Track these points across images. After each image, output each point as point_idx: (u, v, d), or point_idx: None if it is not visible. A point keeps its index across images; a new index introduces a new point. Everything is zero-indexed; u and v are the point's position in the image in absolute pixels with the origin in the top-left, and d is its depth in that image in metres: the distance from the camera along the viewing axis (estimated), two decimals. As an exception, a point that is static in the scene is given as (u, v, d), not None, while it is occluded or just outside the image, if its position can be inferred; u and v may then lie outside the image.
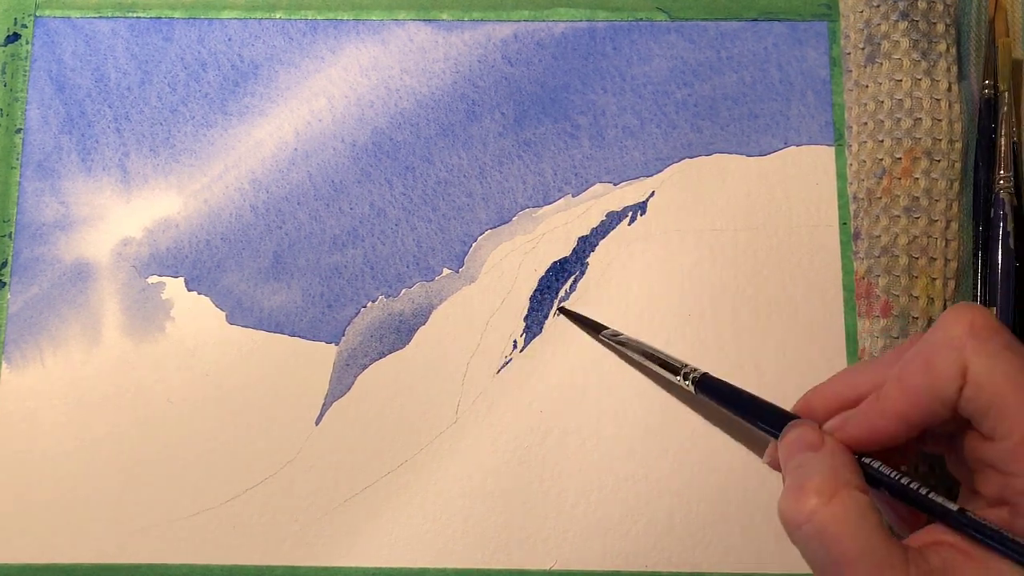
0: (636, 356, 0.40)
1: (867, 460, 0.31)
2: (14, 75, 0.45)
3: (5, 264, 0.43)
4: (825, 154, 0.43)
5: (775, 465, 0.34)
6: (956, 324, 0.29)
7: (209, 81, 0.45)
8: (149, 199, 0.44)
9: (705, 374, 0.37)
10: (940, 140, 0.41)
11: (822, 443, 0.31)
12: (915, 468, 0.38)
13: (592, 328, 0.41)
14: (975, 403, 0.29)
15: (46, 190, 0.44)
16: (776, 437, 0.33)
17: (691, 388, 0.38)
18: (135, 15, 0.45)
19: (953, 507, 0.29)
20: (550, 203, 0.43)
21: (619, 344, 0.41)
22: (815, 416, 0.33)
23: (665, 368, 0.39)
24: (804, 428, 0.32)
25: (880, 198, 0.41)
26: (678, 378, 0.38)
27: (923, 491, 0.30)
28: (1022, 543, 0.27)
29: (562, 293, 0.42)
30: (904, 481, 0.30)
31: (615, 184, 0.43)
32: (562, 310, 0.41)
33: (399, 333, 0.42)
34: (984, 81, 0.42)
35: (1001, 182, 0.41)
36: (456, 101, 0.44)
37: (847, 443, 0.31)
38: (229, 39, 0.45)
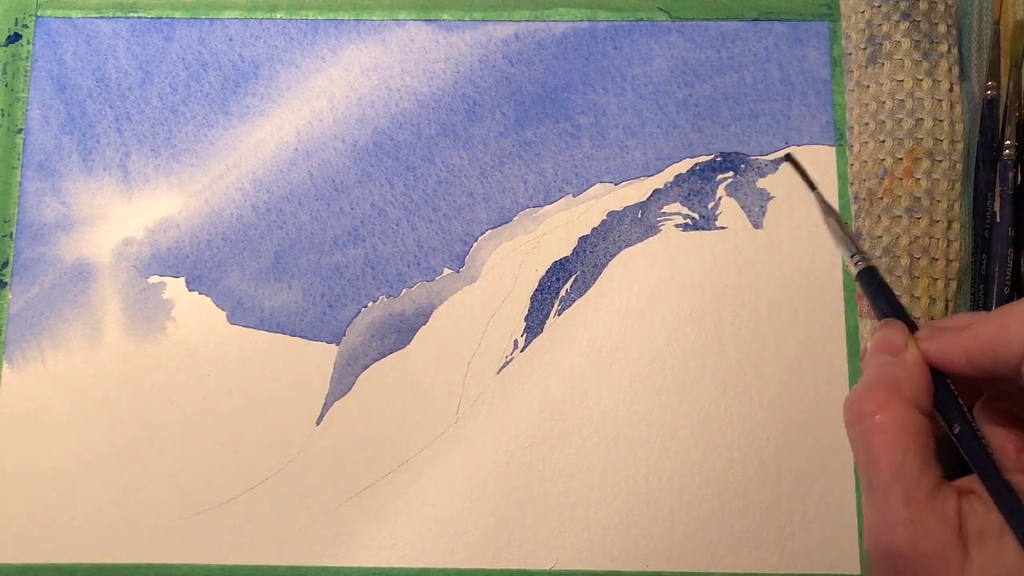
0: (827, 227, 0.37)
1: (948, 389, 0.31)
2: (15, 75, 0.45)
3: (6, 264, 0.43)
4: (826, 154, 0.43)
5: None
6: None
7: (210, 81, 0.45)
8: (150, 199, 0.44)
9: (870, 267, 0.35)
10: (942, 140, 0.41)
11: (903, 349, 0.32)
12: None
13: (809, 185, 0.38)
14: None
15: (47, 190, 0.44)
16: None
17: (853, 272, 0.36)
18: (136, 15, 0.45)
19: (988, 463, 0.29)
20: (551, 203, 0.43)
21: (824, 206, 0.38)
22: (934, 330, 0.33)
23: (842, 243, 0.37)
24: (893, 329, 0.32)
25: (881, 198, 0.41)
26: (849, 256, 0.36)
27: (973, 441, 0.30)
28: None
29: (563, 293, 0.42)
30: (957, 427, 0.30)
31: (616, 184, 0.43)
32: (788, 157, 0.38)
33: (400, 333, 0.42)
34: (987, 82, 0.42)
35: (1007, 151, 0.41)
36: (457, 101, 0.44)
37: (926, 355, 0.32)
38: (230, 39, 0.45)
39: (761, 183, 0.43)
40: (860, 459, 0.30)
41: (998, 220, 0.41)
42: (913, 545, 0.28)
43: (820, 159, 0.43)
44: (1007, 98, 0.42)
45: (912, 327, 0.34)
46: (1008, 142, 0.41)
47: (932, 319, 0.40)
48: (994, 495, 0.29)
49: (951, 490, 0.29)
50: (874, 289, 0.36)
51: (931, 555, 0.28)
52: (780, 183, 0.43)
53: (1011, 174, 0.41)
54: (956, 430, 0.31)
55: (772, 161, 0.43)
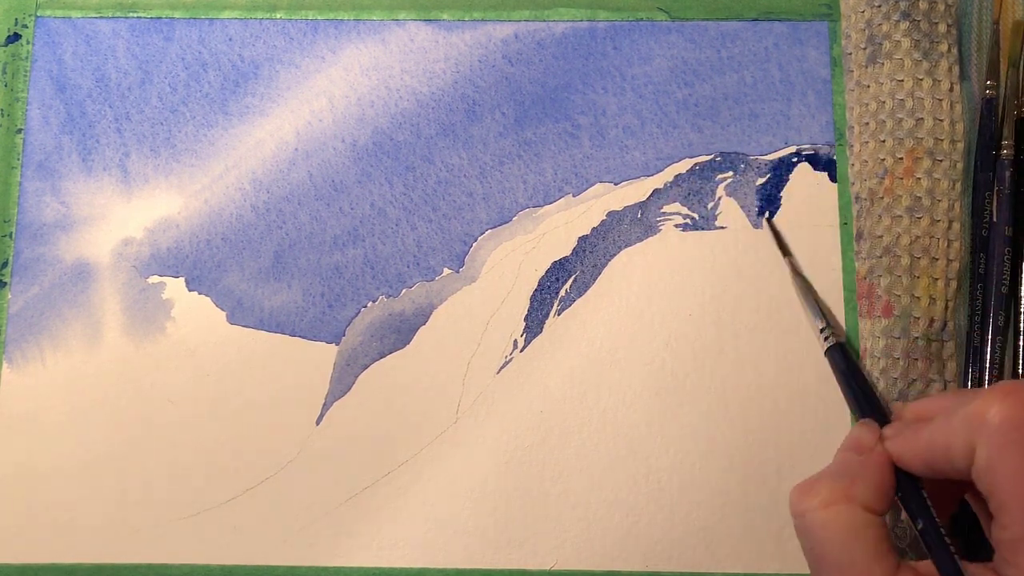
0: (799, 294, 0.41)
1: (908, 483, 0.32)
2: (15, 75, 0.45)
3: (6, 264, 0.43)
4: (826, 154, 0.43)
5: None
6: (987, 404, 0.29)
7: (210, 81, 0.45)
8: (150, 199, 0.44)
9: (840, 343, 0.38)
10: (942, 140, 0.41)
11: (871, 450, 0.32)
12: None
13: (783, 250, 0.41)
14: (980, 484, 0.29)
15: (47, 190, 0.44)
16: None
17: (823, 347, 0.39)
18: (136, 15, 0.45)
19: (953, 563, 0.29)
20: (551, 203, 0.43)
21: (796, 275, 0.41)
22: (897, 419, 0.34)
23: (814, 316, 0.40)
24: (865, 430, 0.33)
25: (882, 198, 0.41)
26: (819, 335, 0.39)
27: (936, 539, 0.30)
28: None
29: (563, 293, 0.42)
30: (920, 524, 0.31)
31: (616, 184, 0.43)
32: (769, 222, 0.42)
33: (399, 333, 0.42)
34: (986, 81, 0.42)
35: (1004, 151, 0.41)
36: (457, 101, 0.44)
37: (890, 453, 0.32)
38: (230, 39, 0.45)
39: (761, 183, 0.43)
40: (804, 552, 0.31)
41: (995, 220, 0.41)
42: None
43: (820, 159, 0.43)
44: (1004, 97, 0.42)
45: (883, 417, 0.35)
46: (1006, 141, 0.41)
47: (932, 320, 0.40)
48: None
49: (910, 572, 0.30)
50: (843, 368, 0.38)
51: None
52: (781, 183, 0.43)
53: (1007, 173, 0.41)
54: (919, 526, 0.31)
55: (772, 161, 0.43)
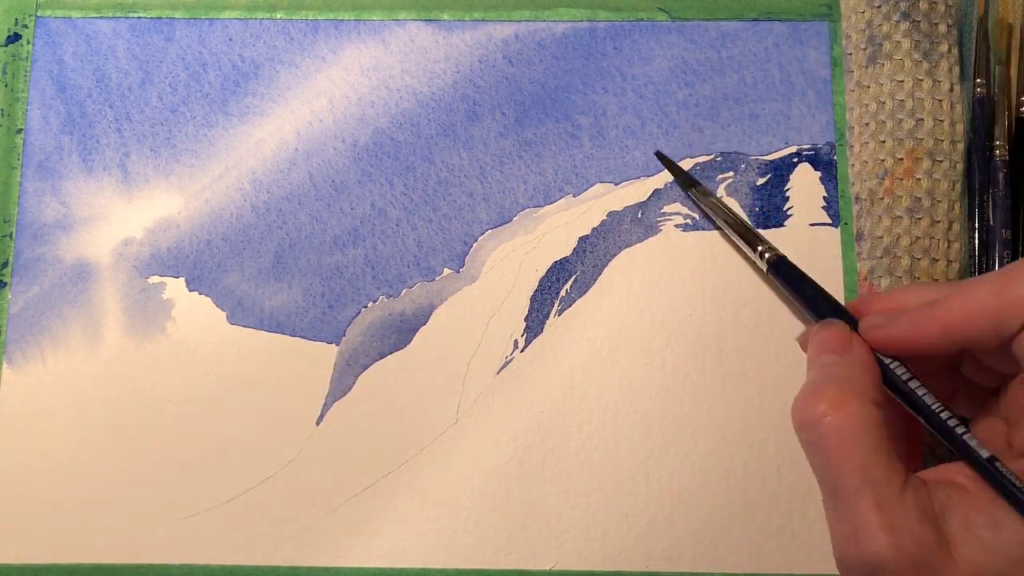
0: (718, 220, 0.40)
1: (903, 374, 0.30)
2: (15, 75, 0.45)
3: (6, 264, 0.43)
4: (826, 154, 0.43)
5: (805, 348, 0.34)
6: None
7: (210, 81, 0.45)
8: (150, 199, 0.44)
9: (781, 257, 0.37)
10: (942, 141, 0.41)
11: (848, 347, 0.30)
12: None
13: (684, 181, 0.41)
14: None
15: (47, 190, 0.44)
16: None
17: (764, 267, 0.38)
18: (136, 15, 0.45)
19: (982, 452, 0.28)
20: (551, 203, 0.43)
21: (705, 204, 0.40)
22: (864, 315, 0.32)
23: (744, 240, 0.39)
24: (834, 328, 0.32)
25: (882, 199, 0.41)
26: (755, 254, 0.38)
27: (951, 423, 0.29)
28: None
29: (563, 293, 0.42)
30: (935, 407, 0.29)
31: (616, 184, 0.43)
32: (658, 154, 0.41)
33: (400, 333, 0.42)
34: (976, 80, 0.42)
35: (997, 151, 0.41)
36: (457, 101, 0.44)
37: (886, 341, 0.30)
38: (230, 39, 0.45)
39: (761, 183, 0.43)
40: (818, 466, 0.29)
41: (991, 222, 0.41)
42: (896, 551, 0.26)
43: (820, 159, 0.43)
44: (994, 96, 0.42)
45: (850, 319, 0.33)
46: (998, 142, 0.41)
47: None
48: (988, 477, 0.27)
49: (921, 483, 0.28)
50: (797, 275, 0.36)
51: (916, 558, 0.26)
52: (781, 182, 0.43)
53: (1001, 175, 0.41)
54: (926, 414, 0.29)
55: (772, 161, 0.43)
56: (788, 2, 0.45)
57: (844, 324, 0.32)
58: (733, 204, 0.43)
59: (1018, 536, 0.26)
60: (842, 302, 0.37)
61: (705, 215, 0.40)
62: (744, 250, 0.39)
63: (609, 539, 0.40)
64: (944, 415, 0.29)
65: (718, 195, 0.43)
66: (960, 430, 0.29)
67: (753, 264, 0.39)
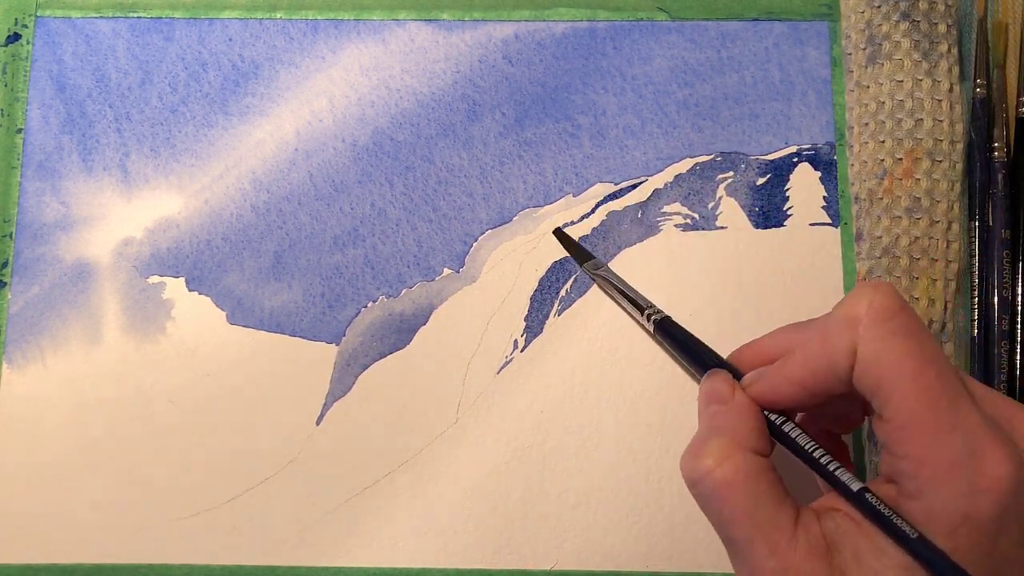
0: (609, 291, 0.41)
1: (778, 420, 0.32)
2: (15, 75, 0.45)
3: (6, 264, 0.43)
4: (826, 154, 0.43)
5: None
6: (857, 303, 0.29)
7: (210, 81, 0.45)
8: (150, 199, 0.44)
9: (666, 317, 0.39)
10: (942, 141, 0.41)
11: (731, 397, 0.32)
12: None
13: (579, 256, 0.42)
14: (864, 383, 0.29)
15: (47, 190, 0.44)
16: None
17: (651, 328, 0.39)
18: (136, 15, 0.45)
19: (853, 485, 0.29)
20: (551, 203, 0.43)
21: (598, 276, 0.41)
22: (744, 368, 0.34)
23: (633, 305, 0.40)
24: (718, 379, 0.33)
25: (881, 199, 0.41)
26: (643, 317, 0.40)
27: (824, 460, 0.30)
28: (902, 528, 0.27)
29: (563, 293, 0.42)
30: (808, 448, 0.31)
31: (616, 184, 0.43)
32: (556, 232, 0.42)
33: (400, 333, 0.42)
34: (976, 80, 0.42)
35: (997, 151, 0.42)
36: (457, 101, 0.44)
37: (756, 399, 0.32)
38: (230, 39, 0.45)
39: (761, 183, 0.43)
40: (711, 518, 0.30)
41: (990, 223, 0.41)
42: None
43: (820, 159, 0.43)
44: (994, 97, 0.42)
45: (735, 373, 0.34)
46: (997, 144, 0.42)
47: (931, 322, 0.40)
48: (863, 508, 0.28)
49: (811, 515, 0.29)
50: (680, 336, 0.38)
51: None
52: (781, 183, 0.43)
53: (1000, 176, 0.41)
54: (804, 458, 0.31)
55: (772, 161, 0.43)
56: (788, 2, 0.45)
57: (727, 373, 0.33)
58: (733, 204, 0.43)
59: (899, 561, 0.27)
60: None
61: (602, 277, 0.41)
62: (633, 315, 0.41)
63: (609, 539, 0.40)
64: (815, 452, 0.31)
65: (718, 196, 0.43)
66: (831, 465, 0.30)
67: (643, 328, 0.41)
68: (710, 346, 0.37)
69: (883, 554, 0.28)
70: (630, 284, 0.41)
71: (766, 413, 0.32)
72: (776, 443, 0.32)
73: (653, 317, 0.39)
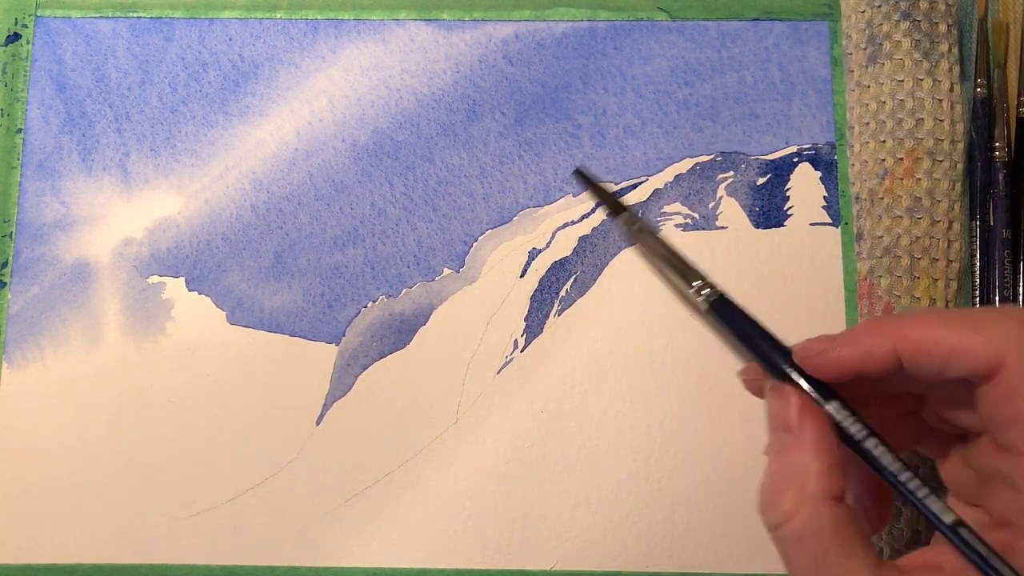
0: (652, 257, 0.32)
1: (860, 436, 0.28)
2: (15, 75, 0.45)
3: (6, 264, 0.43)
4: (826, 154, 0.43)
5: (750, 387, 0.32)
6: (1012, 320, 0.27)
7: (210, 81, 0.45)
8: (150, 199, 0.44)
9: (722, 295, 0.31)
10: (942, 140, 0.41)
11: (800, 425, 0.28)
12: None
13: (611, 206, 0.33)
14: (1001, 407, 0.26)
15: (47, 190, 0.44)
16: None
17: (704, 306, 0.31)
18: (136, 15, 0.45)
19: (946, 517, 0.26)
20: (551, 203, 0.43)
21: (637, 233, 0.33)
22: (823, 376, 0.30)
23: (680, 276, 0.32)
24: (784, 399, 0.29)
25: (882, 198, 0.41)
26: (691, 291, 0.31)
27: (912, 486, 0.27)
28: (1001, 568, 0.25)
29: (563, 293, 0.42)
30: (897, 474, 0.28)
31: (616, 184, 0.43)
32: (577, 173, 0.34)
33: (400, 333, 0.42)
34: (976, 80, 0.42)
35: (997, 151, 0.41)
36: (457, 101, 0.44)
37: (826, 368, 0.29)
38: (230, 39, 0.45)
39: (761, 183, 0.43)
40: (787, 565, 0.28)
41: (991, 223, 0.41)
42: None
43: (821, 159, 0.43)
44: (995, 97, 0.42)
45: (787, 358, 0.30)
46: (998, 143, 0.41)
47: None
48: (960, 548, 0.26)
49: (893, 571, 0.27)
50: (741, 316, 0.31)
51: None
52: (781, 183, 0.43)
53: (1000, 175, 0.41)
54: (890, 481, 0.28)
55: (773, 161, 0.43)
56: (788, 2, 0.45)
57: (792, 389, 0.29)
58: (733, 204, 0.43)
59: None
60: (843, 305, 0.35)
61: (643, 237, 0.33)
62: (680, 288, 0.32)
63: (609, 539, 0.40)
64: (903, 478, 0.28)
65: (718, 196, 0.43)
66: (919, 492, 0.27)
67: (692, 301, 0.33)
68: (779, 338, 0.31)
69: None
70: (676, 250, 0.33)
71: (847, 415, 0.28)
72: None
73: (710, 293, 0.31)
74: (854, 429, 0.28)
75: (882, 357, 0.28)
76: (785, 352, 0.30)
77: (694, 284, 0.31)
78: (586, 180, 0.33)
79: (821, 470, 0.28)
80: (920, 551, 0.28)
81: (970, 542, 0.26)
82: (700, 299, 0.31)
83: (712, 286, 0.31)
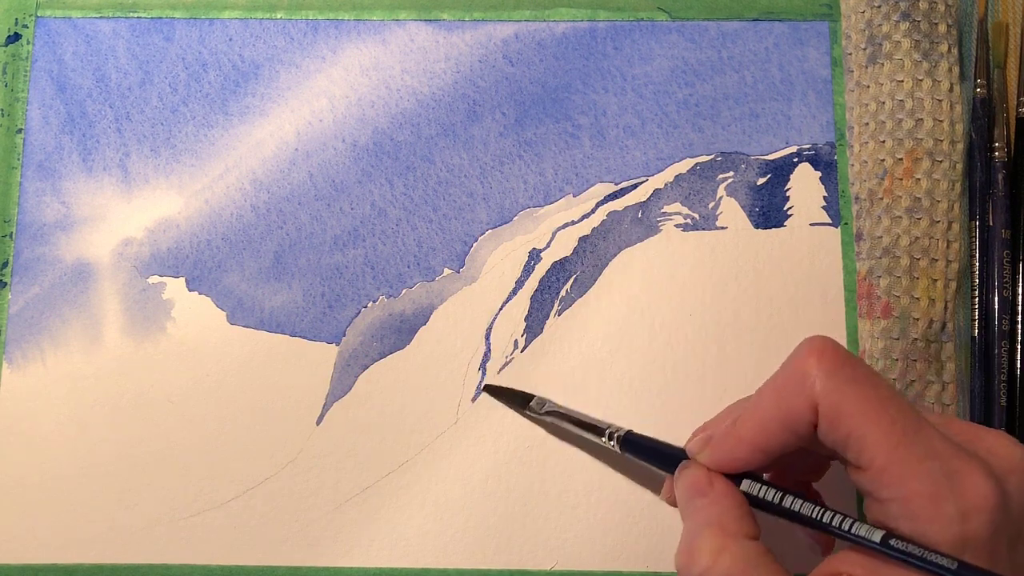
0: (564, 424, 0.39)
1: (765, 493, 0.31)
2: (15, 75, 0.45)
3: (6, 264, 0.43)
4: (826, 154, 0.43)
5: (672, 502, 0.34)
6: (806, 359, 0.29)
7: (210, 81, 0.45)
8: (150, 199, 0.44)
9: (628, 430, 0.37)
10: (942, 141, 0.41)
11: (710, 487, 0.32)
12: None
13: (518, 403, 0.41)
14: (832, 437, 0.29)
15: (47, 190, 0.44)
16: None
17: (616, 447, 0.37)
18: (136, 15, 0.45)
19: (874, 536, 0.28)
20: (551, 203, 0.43)
21: (547, 416, 0.40)
22: (703, 442, 0.34)
23: (591, 431, 0.38)
24: (693, 471, 0.32)
25: (882, 199, 0.41)
26: (603, 439, 0.38)
27: (835, 521, 0.29)
28: (940, 562, 0.27)
29: (563, 293, 0.42)
30: (813, 514, 0.30)
31: (616, 184, 0.43)
32: (487, 388, 0.41)
33: (400, 333, 0.42)
34: (976, 80, 0.42)
35: (997, 152, 0.42)
36: (457, 101, 0.44)
37: (712, 465, 0.32)
38: (230, 39, 0.45)
39: (761, 183, 0.43)
40: None
41: (990, 223, 0.41)
42: None
43: (821, 159, 0.43)
44: (994, 97, 0.42)
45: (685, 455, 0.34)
46: (997, 144, 0.42)
47: (931, 322, 0.40)
48: (895, 557, 0.28)
49: None
50: (648, 444, 0.36)
51: None
52: (781, 183, 0.43)
53: (1000, 176, 0.41)
54: (808, 523, 0.30)
55: (773, 161, 0.43)
56: (788, 2, 0.45)
57: (700, 465, 0.33)
58: (733, 204, 0.43)
59: None
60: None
61: (550, 417, 0.40)
62: (592, 439, 0.38)
63: (610, 540, 0.40)
64: (822, 516, 0.30)
65: (718, 196, 0.43)
66: (844, 524, 0.29)
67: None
68: (671, 445, 0.36)
69: None
70: (577, 414, 0.39)
71: (757, 487, 0.31)
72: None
73: (617, 433, 0.37)
74: (770, 495, 0.31)
75: (749, 460, 0.31)
76: (686, 455, 0.34)
77: (605, 431, 0.38)
78: (494, 390, 0.41)
79: (739, 515, 0.30)
80: (827, 561, 0.30)
81: (903, 549, 0.27)
82: (613, 441, 0.37)
83: (618, 429, 0.37)
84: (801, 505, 0.30)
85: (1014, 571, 0.28)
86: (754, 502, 0.31)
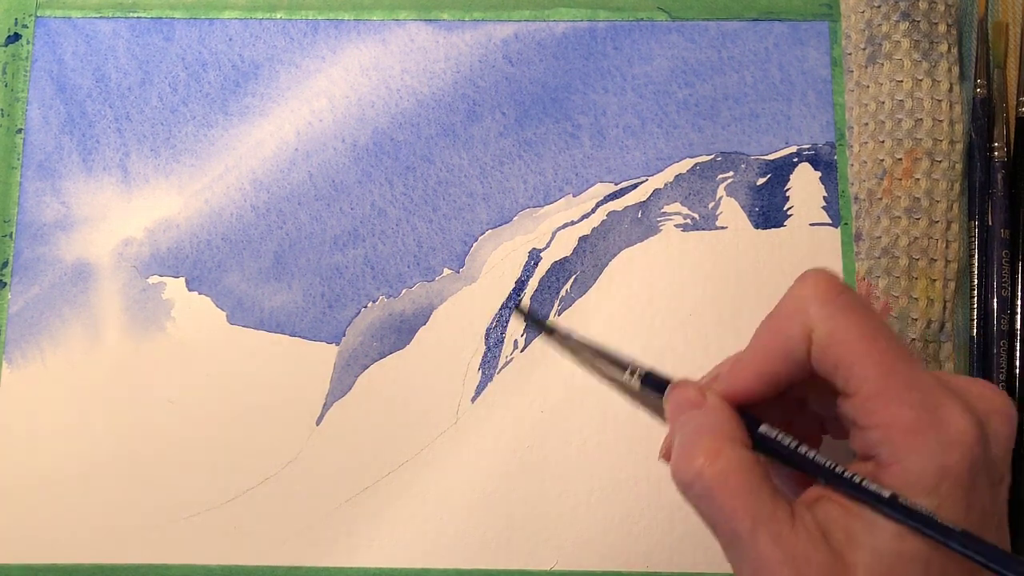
0: (583, 362, 0.36)
1: (774, 434, 0.31)
2: (15, 75, 0.45)
3: (6, 264, 0.43)
4: (826, 154, 0.43)
5: (668, 459, 0.33)
6: (802, 288, 0.30)
7: (210, 81, 0.45)
8: (150, 199, 0.44)
9: (649, 371, 0.34)
10: (941, 141, 0.41)
11: (704, 400, 0.32)
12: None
13: (545, 329, 0.37)
14: (823, 363, 0.29)
15: (47, 190, 0.44)
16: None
17: (636, 385, 0.34)
18: (136, 15, 0.45)
19: (829, 464, 0.29)
20: (551, 203, 0.43)
21: (568, 346, 0.37)
22: (711, 380, 0.34)
23: (614, 365, 0.35)
24: (685, 387, 0.32)
25: (881, 199, 0.41)
26: (625, 375, 0.35)
27: (801, 449, 0.30)
28: (883, 495, 0.28)
29: (563, 293, 0.42)
30: (783, 440, 0.31)
31: (616, 184, 0.43)
32: (517, 308, 0.41)
33: (400, 333, 0.42)
34: (976, 80, 0.42)
35: (996, 152, 0.42)
36: (457, 101, 0.44)
37: (719, 392, 0.32)
38: (230, 39, 0.45)
39: (761, 183, 0.43)
40: (711, 518, 0.29)
41: (990, 223, 0.41)
42: None
43: (820, 159, 0.43)
44: (994, 97, 0.42)
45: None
46: (997, 143, 0.42)
47: (930, 322, 0.40)
48: (842, 489, 0.29)
49: (804, 508, 0.29)
50: (664, 385, 0.34)
51: None
52: (780, 183, 0.43)
53: (999, 176, 0.41)
54: (785, 454, 0.31)
55: (772, 161, 0.43)
56: (788, 2, 0.45)
57: (692, 382, 0.32)
58: (733, 204, 0.43)
59: (891, 530, 0.28)
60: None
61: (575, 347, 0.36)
62: (613, 375, 0.35)
63: (609, 539, 0.40)
64: (791, 444, 0.30)
65: (718, 196, 0.43)
66: (808, 453, 0.30)
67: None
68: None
69: (874, 527, 0.28)
70: (600, 348, 0.36)
71: (775, 432, 0.31)
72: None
73: (638, 373, 0.34)
74: (786, 441, 0.31)
75: (753, 389, 0.31)
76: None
77: (627, 367, 0.34)
78: (524, 316, 0.39)
79: (735, 426, 0.31)
80: (811, 489, 0.30)
81: (911, 507, 0.28)
82: (636, 378, 0.34)
83: (640, 367, 0.34)
84: (815, 455, 0.30)
85: (994, 509, 0.28)
86: (768, 448, 0.31)
